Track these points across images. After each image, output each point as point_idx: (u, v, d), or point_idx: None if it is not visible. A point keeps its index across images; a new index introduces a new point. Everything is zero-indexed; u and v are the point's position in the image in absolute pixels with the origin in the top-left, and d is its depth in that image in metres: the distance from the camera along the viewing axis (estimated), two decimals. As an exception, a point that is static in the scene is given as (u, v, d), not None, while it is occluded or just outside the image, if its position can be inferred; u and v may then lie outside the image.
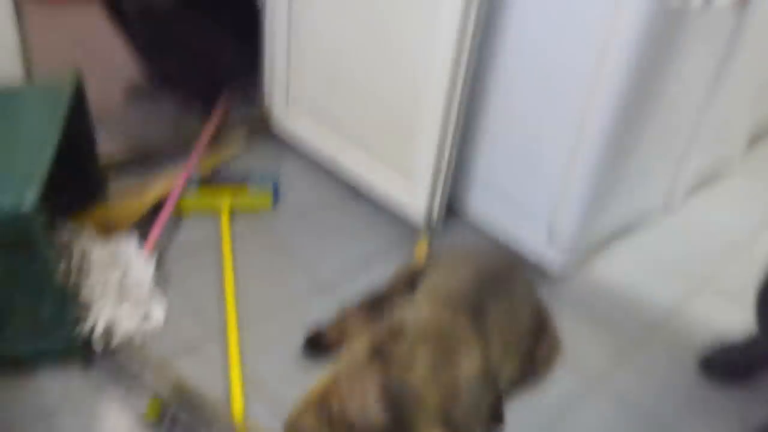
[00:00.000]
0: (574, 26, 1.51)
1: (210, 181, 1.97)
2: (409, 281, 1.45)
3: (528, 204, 1.78)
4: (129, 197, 1.79)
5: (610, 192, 1.74)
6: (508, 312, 1.27)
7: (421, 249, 1.83)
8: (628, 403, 1.49)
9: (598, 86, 1.51)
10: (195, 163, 1.97)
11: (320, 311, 1.52)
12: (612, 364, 1.58)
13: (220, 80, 2.26)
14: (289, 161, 2.19)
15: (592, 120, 1.55)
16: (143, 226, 1.70)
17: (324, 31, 1.97)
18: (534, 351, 1.33)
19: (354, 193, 2.05)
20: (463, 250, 1.44)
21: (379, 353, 1.04)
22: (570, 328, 1.43)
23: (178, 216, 1.81)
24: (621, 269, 1.91)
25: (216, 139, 2.13)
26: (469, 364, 1.08)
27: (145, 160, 1.99)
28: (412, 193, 1.86)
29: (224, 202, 1.86)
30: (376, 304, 1.45)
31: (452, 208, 1.96)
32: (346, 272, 1.73)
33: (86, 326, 1.39)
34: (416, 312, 1.20)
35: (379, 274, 1.70)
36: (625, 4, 1.40)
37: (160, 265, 1.62)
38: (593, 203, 1.69)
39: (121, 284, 1.52)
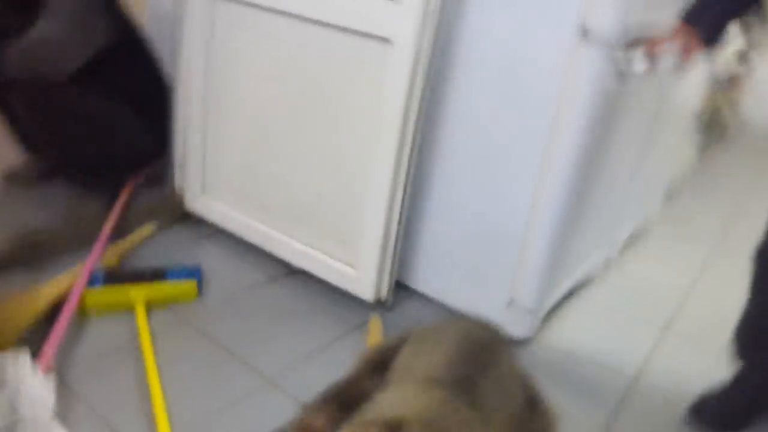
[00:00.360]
0: (522, 107, 1.50)
1: (118, 273, 1.68)
2: (377, 365, 1.26)
3: (485, 273, 1.68)
4: (14, 301, 1.46)
5: (565, 255, 1.70)
6: (499, 385, 1.13)
7: (374, 328, 1.64)
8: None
9: (552, 157, 1.49)
10: (98, 254, 1.68)
11: (270, 412, 1.27)
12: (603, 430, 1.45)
13: (124, 162, 2.01)
14: (211, 241, 1.95)
15: (546, 192, 1.53)
16: (37, 335, 1.37)
17: (246, 115, 1.81)
18: (529, 426, 1.18)
19: (288, 270, 1.84)
20: (434, 324, 1.28)
21: (379, 457, 0.84)
22: (551, 395, 1.30)
23: (82, 318, 1.50)
24: (580, 327, 1.84)
25: (122, 227, 1.86)
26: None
27: (35, 254, 1.68)
28: (358, 270, 1.69)
29: (138, 295, 1.58)
30: (342, 396, 1.24)
31: (401, 279, 1.81)
32: (292, 362, 1.49)
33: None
34: (403, 399, 1.01)
35: (331, 359, 1.50)
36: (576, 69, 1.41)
37: (62, 380, 1.30)
38: (550, 268, 1.64)
39: (9, 411, 1.19)
